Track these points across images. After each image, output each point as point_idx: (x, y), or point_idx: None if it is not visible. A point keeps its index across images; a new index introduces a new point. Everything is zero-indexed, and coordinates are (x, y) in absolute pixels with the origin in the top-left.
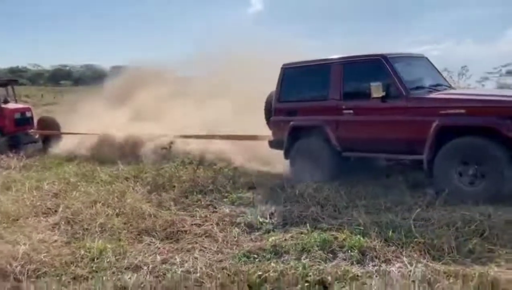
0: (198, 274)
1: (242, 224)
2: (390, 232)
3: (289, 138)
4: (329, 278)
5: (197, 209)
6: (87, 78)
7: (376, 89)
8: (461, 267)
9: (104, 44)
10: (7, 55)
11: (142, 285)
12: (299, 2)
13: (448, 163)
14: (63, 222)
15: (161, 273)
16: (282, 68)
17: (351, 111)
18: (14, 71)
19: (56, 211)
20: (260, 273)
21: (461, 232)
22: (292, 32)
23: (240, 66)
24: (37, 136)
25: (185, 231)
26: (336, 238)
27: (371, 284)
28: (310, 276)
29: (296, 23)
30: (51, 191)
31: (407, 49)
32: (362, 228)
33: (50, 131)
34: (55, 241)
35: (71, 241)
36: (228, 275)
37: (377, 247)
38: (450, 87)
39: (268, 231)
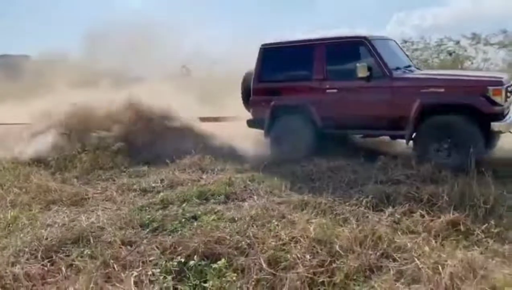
0: (100, 223)
1: (138, 189)
2: (248, 181)
3: (270, 118)
4: (199, 213)
5: (98, 182)
6: None
7: (362, 70)
8: (288, 198)
9: None
10: None
11: (55, 235)
12: None
13: (427, 138)
14: None
15: (69, 228)
16: (261, 48)
17: (335, 90)
18: None
19: None
20: (149, 216)
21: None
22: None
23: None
24: None
25: (88, 198)
26: (209, 189)
27: (228, 213)
28: (187, 214)
29: (186, 12)
30: None
31: (306, 34)
32: (228, 180)
33: None
34: None
35: None
36: (124, 221)
37: (237, 192)
38: (418, 68)
39: (158, 192)
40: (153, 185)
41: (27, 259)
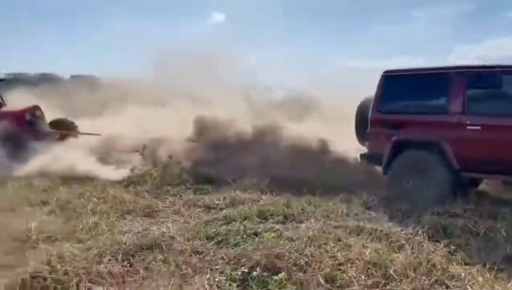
0: (171, 233)
1: (202, 205)
2: (305, 204)
3: (391, 154)
4: (259, 230)
5: (167, 197)
6: (45, 87)
7: None
8: (344, 223)
9: (60, 53)
10: None
11: (132, 241)
12: (258, 13)
13: None
14: (57, 209)
15: (143, 235)
16: (383, 75)
17: (478, 127)
18: None
19: (45, 202)
20: (214, 230)
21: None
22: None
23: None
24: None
25: (159, 211)
26: (269, 209)
27: (286, 232)
28: (248, 231)
29: (256, 34)
30: (40, 186)
31: (362, 61)
32: (286, 202)
33: (68, 132)
34: (55, 221)
35: (68, 221)
36: (192, 233)
37: (295, 213)
38: None
39: (221, 209)
40: (216, 202)
41: (109, 260)
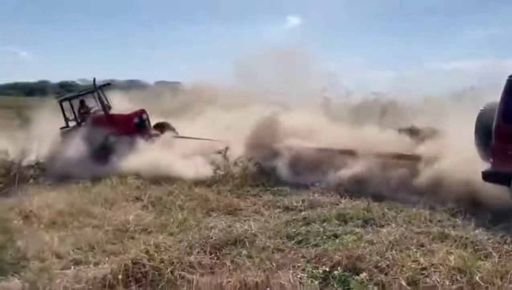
0: (253, 231)
1: (281, 207)
2: (386, 209)
3: None
4: (339, 232)
5: (247, 197)
6: (134, 92)
7: None
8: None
9: (145, 60)
10: (57, 70)
11: (218, 236)
12: (336, 16)
13: None
14: (149, 205)
15: (228, 232)
16: (509, 80)
17: None
18: (63, 86)
19: (138, 198)
20: (294, 230)
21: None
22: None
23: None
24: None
25: (241, 210)
26: (348, 213)
27: (367, 236)
28: (327, 232)
29: (333, 38)
30: (133, 184)
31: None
32: (365, 206)
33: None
34: (148, 215)
35: (160, 216)
36: (273, 232)
37: (375, 218)
38: None
39: (300, 211)
40: (295, 204)
41: (198, 252)
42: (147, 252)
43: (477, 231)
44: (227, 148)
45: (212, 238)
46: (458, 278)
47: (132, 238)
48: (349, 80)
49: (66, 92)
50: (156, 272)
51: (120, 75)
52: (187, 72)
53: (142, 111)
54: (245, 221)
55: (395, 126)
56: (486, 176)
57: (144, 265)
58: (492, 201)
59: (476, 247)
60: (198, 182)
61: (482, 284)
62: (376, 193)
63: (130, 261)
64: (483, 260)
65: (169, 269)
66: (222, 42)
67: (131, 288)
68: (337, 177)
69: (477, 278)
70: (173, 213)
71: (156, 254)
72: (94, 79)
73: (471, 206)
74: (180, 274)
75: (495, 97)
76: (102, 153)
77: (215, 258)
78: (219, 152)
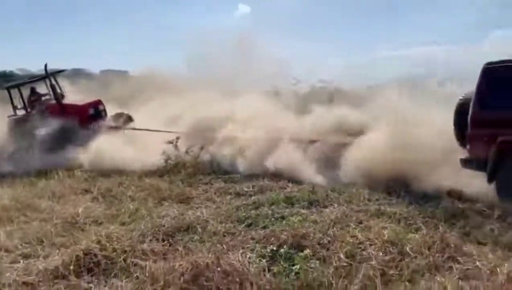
0: (205, 217)
1: (233, 193)
2: (329, 191)
3: (497, 158)
4: (286, 214)
5: (199, 185)
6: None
7: None
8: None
9: (89, 48)
10: None
11: (170, 224)
12: (287, 4)
13: None
14: (99, 197)
15: (180, 219)
16: (485, 68)
17: None
18: (0, 75)
19: (87, 190)
20: (244, 214)
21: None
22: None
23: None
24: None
25: (193, 198)
26: (295, 196)
27: (311, 216)
28: (276, 215)
29: (284, 26)
30: (82, 176)
31: (396, 50)
32: (311, 189)
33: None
34: (98, 207)
35: (110, 207)
36: (224, 217)
37: (320, 199)
38: None
39: (250, 196)
40: (246, 189)
41: (150, 240)
42: (98, 242)
43: (409, 208)
44: (178, 138)
45: (164, 226)
46: (391, 249)
47: (83, 230)
48: (299, 68)
49: (4, 82)
50: (109, 261)
51: (63, 64)
52: (135, 61)
53: (98, 102)
54: (197, 208)
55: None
56: (465, 163)
57: (96, 255)
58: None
59: (408, 222)
60: (149, 173)
61: (412, 254)
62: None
63: (81, 252)
64: (413, 233)
65: (121, 258)
66: (171, 30)
67: (83, 278)
68: (283, 163)
69: (407, 249)
70: (124, 204)
71: (108, 244)
72: (46, 65)
73: (404, 186)
74: (133, 262)
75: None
76: (54, 145)
77: (168, 245)
78: (170, 142)
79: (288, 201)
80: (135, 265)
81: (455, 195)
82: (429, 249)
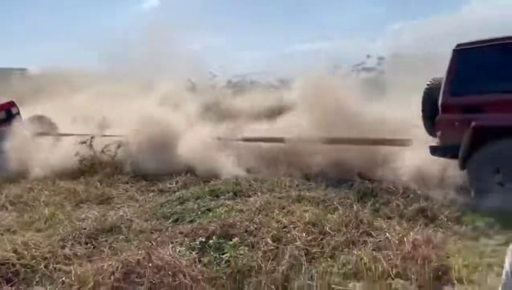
0: (129, 216)
1: (156, 190)
2: (252, 181)
3: (470, 144)
4: (212, 206)
5: (119, 184)
6: None
7: None
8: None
9: None
10: None
11: (93, 226)
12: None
13: None
14: (8, 204)
15: (102, 221)
16: (456, 50)
17: None
18: None
19: None
20: (169, 210)
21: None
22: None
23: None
24: None
25: (113, 198)
26: (219, 188)
27: (237, 206)
28: (202, 208)
29: (196, 19)
30: None
31: (305, 45)
32: (234, 181)
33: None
34: (8, 215)
35: (22, 214)
36: (149, 215)
37: (244, 190)
38: None
39: (174, 191)
40: (169, 186)
41: (72, 244)
42: (15, 251)
43: (326, 191)
44: (92, 137)
45: (85, 228)
46: (313, 230)
47: None
48: (214, 63)
49: None
50: (29, 269)
51: None
52: (34, 57)
53: (11, 104)
54: (119, 208)
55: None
56: (434, 150)
57: (13, 265)
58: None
59: (326, 204)
60: (63, 176)
61: (331, 232)
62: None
63: None
64: (331, 214)
65: (42, 264)
66: (77, 24)
67: (2, 288)
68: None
69: (327, 228)
70: (38, 210)
71: (26, 252)
72: None
73: (321, 172)
74: (55, 267)
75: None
76: None
77: (92, 247)
78: (83, 142)
79: (213, 193)
80: (59, 270)
81: (364, 176)
82: (345, 226)
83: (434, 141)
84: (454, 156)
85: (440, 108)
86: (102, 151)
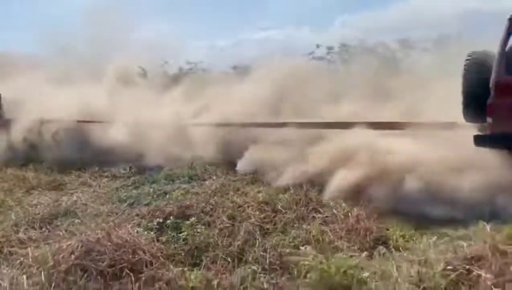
0: (83, 201)
1: (109, 176)
2: (207, 165)
3: None
4: (168, 189)
5: (71, 171)
6: None
7: None
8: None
9: None
10: None
11: (46, 211)
12: None
13: None
14: None
15: (55, 206)
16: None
17: None
18: None
19: None
20: (125, 194)
21: None
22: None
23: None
24: None
25: (66, 184)
26: (175, 173)
27: (192, 189)
28: (158, 192)
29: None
30: None
31: (256, 33)
32: (189, 165)
33: None
34: None
35: None
36: (104, 199)
37: (199, 173)
38: None
39: (129, 177)
40: (123, 171)
41: (26, 229)
42: None
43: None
44: (42, 122)
45: (38, 214)
46: (266, 209)
47: None
48: (166, 50)
49: None
50: None
51: None
52: None
53: None
54: (72, 194)
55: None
56: (482, 140)
57: None
58: None
59: (278, 184)
60: (10, 162)
61: (283, 210)
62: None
63: None
64: (283, 194)
65: None
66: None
67: None
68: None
69: (279, 206)
70: None
71: None
72: None
73: None
74: (10, 251)
75: None
76: None
77: (47, 231)
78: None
79: (168, 178)
80: (15, 253)
81: None
82: (296, 204)
83: (478, 130)
84: (508, 146)
85: (492, 89)
86: (53, 138)
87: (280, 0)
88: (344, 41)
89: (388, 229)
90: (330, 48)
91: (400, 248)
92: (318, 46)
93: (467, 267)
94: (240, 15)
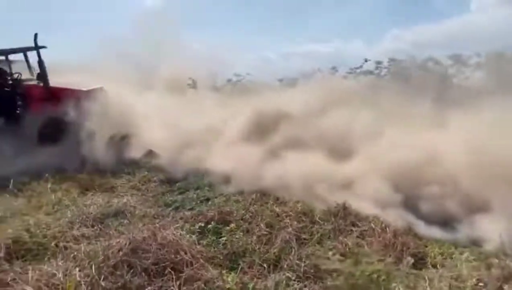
0: (132, 203)
1: (157, 181)
2: None
3: None
4: (211, 196)
5: (122, 174)
6: None
7: None
8: None
9: None
10: None
11: (99, 211)
12: None
13: None
14: (16, 190)
15: (107, 206)
16: None
17: None
18: None
19: None
20: (171, 199)
21: None
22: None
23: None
24: None
25: (117, 187)
26: (217, 180)
27: (234, 197)
28: (201, 198)
29: (196, 20)
30: None
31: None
32: None
33: None
34: (15, 201)
35: (30, 200)
36: (151, 202)
37: None
38: None
39: (175, 182)
40: (170, 177)
41: (79, 226)
42: (27, 230)
43: None
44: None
45: (91, 213)
46: (303, 219)
47: (4, 222)
48: (213, 62)
49: None
50: (40, 247)
51: None
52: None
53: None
54: (122, 196)
55: None
56: None
57: (26, 242)
58: None
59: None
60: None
61: (320, 222)
62: None
63: (10, 240)
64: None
65: (53, 243)
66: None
67: (14, 264)
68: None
69: (317, 218)
70: (45, 196)
71: (38, 231)
72: (36, 35)
73: None
74: (65, 246)
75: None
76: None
77: (98, 229)
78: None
79: (211, 185)
80: (69, 248)
81: None
82: (334, 217)
83: None
84: None
85: None
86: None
87: (331, 14)
88: (393, 56)
89: (426, 246)
90: (378, 63)
91: (438, 265)
92: (366, 60)
93: (499, 283)
94: (290, 27)
